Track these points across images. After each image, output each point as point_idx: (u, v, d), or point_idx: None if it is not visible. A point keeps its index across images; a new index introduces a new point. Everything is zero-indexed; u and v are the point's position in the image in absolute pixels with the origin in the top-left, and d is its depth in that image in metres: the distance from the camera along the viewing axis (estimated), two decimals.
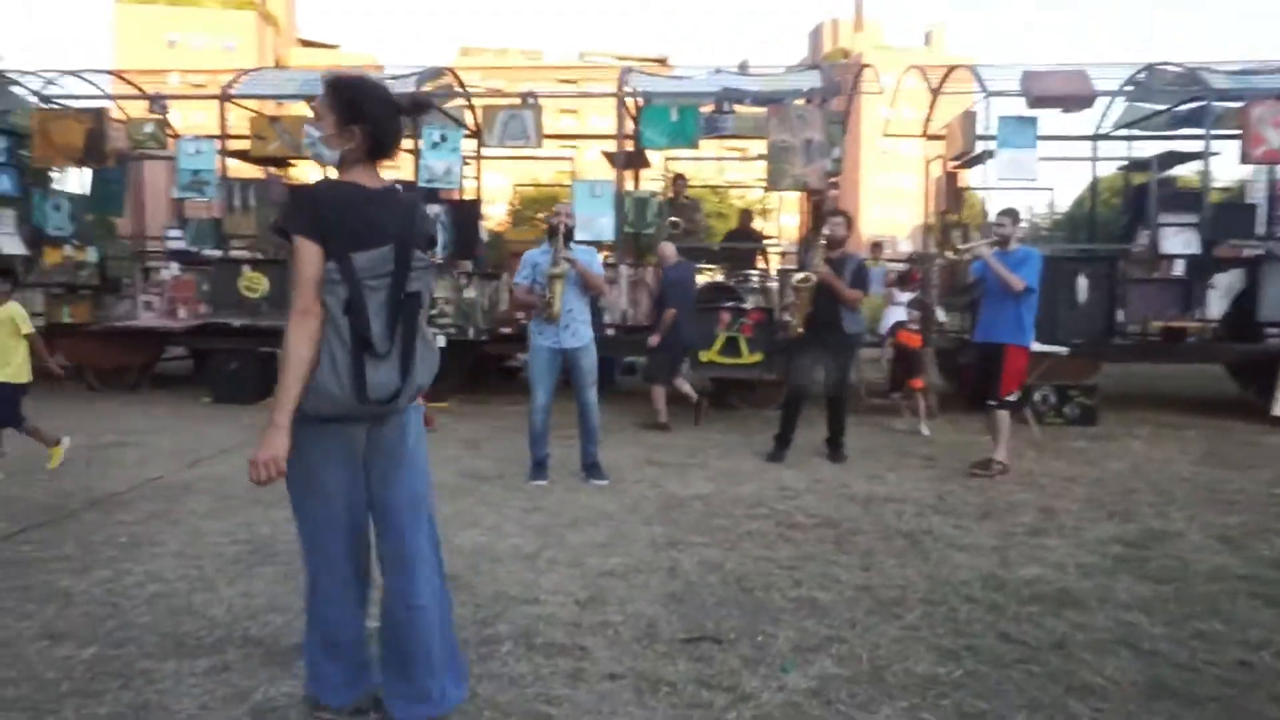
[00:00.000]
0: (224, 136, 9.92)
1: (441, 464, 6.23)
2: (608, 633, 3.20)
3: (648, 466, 6.24)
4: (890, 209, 64.61)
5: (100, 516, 4.73)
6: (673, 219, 10.54)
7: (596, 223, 9.33)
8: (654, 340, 7.92)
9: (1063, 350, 7.70)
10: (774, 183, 9.22)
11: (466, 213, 9.61)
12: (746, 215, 12.35)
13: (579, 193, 9.47)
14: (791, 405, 6.58)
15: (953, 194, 10.24)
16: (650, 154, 10.93)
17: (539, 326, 5.62)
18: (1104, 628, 3.27)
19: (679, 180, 11.13)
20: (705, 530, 4.57)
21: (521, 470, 5.85)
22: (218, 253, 9.97)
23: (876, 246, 13.05)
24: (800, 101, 9.32)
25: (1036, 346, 6.34)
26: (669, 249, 8.40)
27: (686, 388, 8.18)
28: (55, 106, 10.14)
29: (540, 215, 19.33)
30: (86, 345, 9.96)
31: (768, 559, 4.08)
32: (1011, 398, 6.07)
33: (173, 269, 9.92)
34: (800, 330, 6.39)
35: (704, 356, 8.73)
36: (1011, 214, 6.15)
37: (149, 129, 10.14)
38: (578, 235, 9.54)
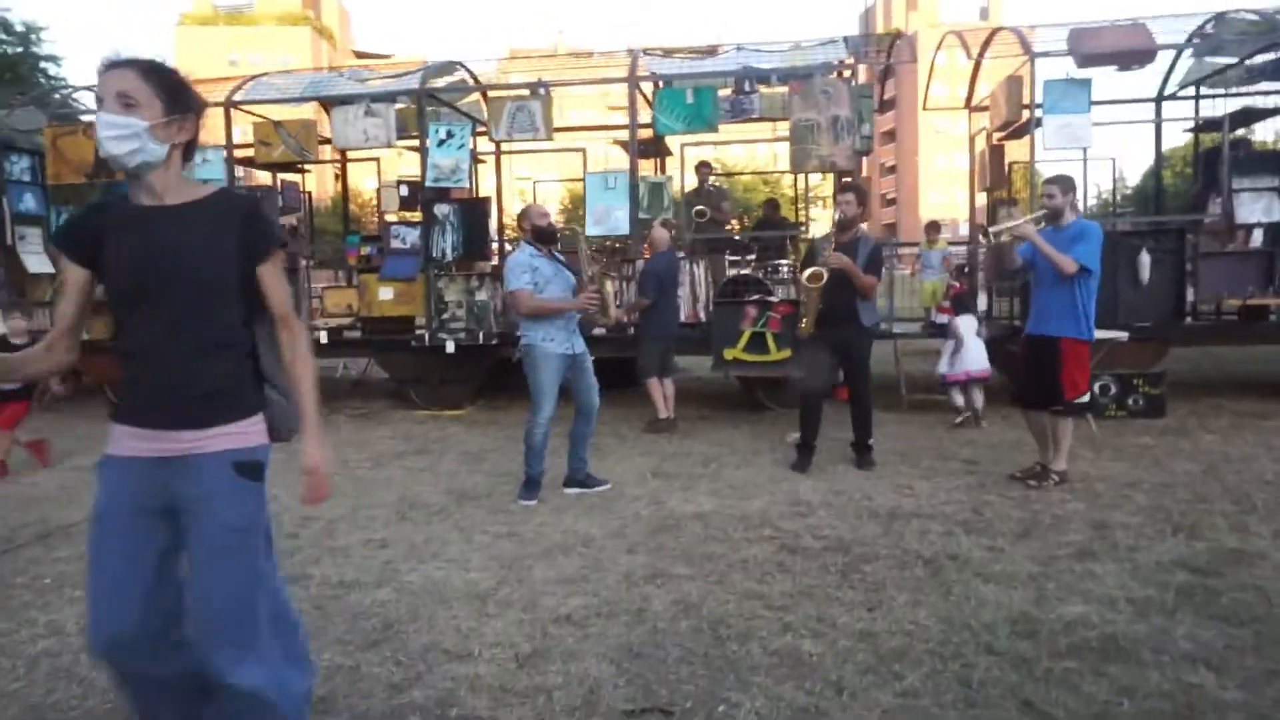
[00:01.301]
0: (229, 146, 9.67)
1: (434, 480, 5.80)
2: (538, 701, 2.66)
3: (653, 479, 5.66)
4: (950, 191, 62.81)
5: (40, 552, 4.37)
6: (698, 208, 9.95)
7: (612, 215, 8.80)
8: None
9: (1122, 335, 6.89)
10: (798, 165, 8.51)
11: (475, 212, 9.15)
12: (772, 204, 11.65)
13: (592, 185, 8.94)
14: (809, 409, 5.93)
15: (998, 169, 9.42)
16: (673, 141, 10.35)
17: (549, 333, 5.13)
18: (1159, 692, 2.60)
19: (703, 167, 10.50)
20: (694, 559, 3.99)
21: (516, 487, 5.34)
22: None
23: (933, 227, 12.14)
24: (833, 76, 8.61)
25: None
26: (661, 235, 7.84)
27: (660, 399, 7.54)
28: (70, 123, 10.02)
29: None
30: (105, 362, 9.79)
31: (757, 596, 3.49)
32: (1082, 399, 5.16)
33: None
34: (811, 330, 5.77)
35: (729, 354, 8.10)
36: (1061, 182, 5.18)
37: None
38: (593, 229, 9.22)
